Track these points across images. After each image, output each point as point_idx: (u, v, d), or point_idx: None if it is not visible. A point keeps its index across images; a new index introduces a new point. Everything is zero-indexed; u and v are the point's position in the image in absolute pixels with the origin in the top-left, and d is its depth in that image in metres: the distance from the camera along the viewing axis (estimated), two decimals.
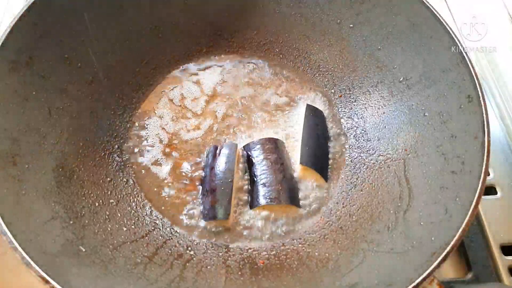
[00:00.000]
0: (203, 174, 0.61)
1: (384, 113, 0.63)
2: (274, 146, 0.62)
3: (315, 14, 0.68)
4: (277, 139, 0.63)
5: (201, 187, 0.60)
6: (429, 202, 0.50)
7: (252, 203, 0.59)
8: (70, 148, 0.56)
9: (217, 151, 0.60)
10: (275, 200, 0.57)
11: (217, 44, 0.73)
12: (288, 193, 0.58)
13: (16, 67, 0.51)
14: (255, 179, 0.60)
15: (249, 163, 0.61)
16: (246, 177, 0.61)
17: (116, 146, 0.62)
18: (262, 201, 0.57)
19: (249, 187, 0.60)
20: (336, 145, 0.65)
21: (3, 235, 0.40)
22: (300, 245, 0.56)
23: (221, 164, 0.59)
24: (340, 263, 0.52)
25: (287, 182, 0.59)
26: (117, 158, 0.62)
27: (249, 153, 0.62)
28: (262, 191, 0.58)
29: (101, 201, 0.55)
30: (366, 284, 0.46)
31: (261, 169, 0.60)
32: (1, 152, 0.47)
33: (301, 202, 0.60)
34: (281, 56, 0.73)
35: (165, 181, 0.61)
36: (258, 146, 0.62)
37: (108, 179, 0.59)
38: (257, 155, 0.61)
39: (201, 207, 0.58)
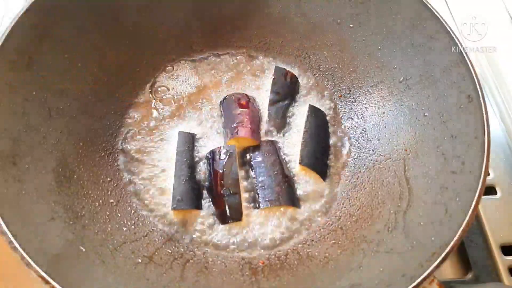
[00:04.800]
0: (205, 177, 0.61)
1: (384, 113, 0.63)
2: (273, 148, 0.62)
3: (315, 14, 0.68)
4: (275, 141, 0.63)
5: (208, 192, 0.60)
6: (429, 202, 0.50)
7: (253, 206, 0.59)
8: (70, 148, 0.56)
9: (217, 155, 0.60)
10: (275, 202, 0.57)
11: (217, 43, 0.73)
12: (288, 195, 0.58)
13: (16, 67, 0.51)
14: (255, 182, 0.59)
15: (248, 166, 0.61)
16: (245, 179, 0.61)
17: (116, 146, 0.62)
18: (262, 204, 0.57)
19: (249, 189, 0.60)
20: (336, 145, 0.65)
21: (3, 235, 0.40)
22: (300, 245, 0.57)
23: (224, 167, 0.58)
24: (340, 263, 0.52)
25: (286, 183, 0.59)
26: (117, 158, 0.62)
27: (247, 155, 0.62)
28: (262, 193, 0.58)
29: (101, 201, 0.55)
30: (366, 284, 0.46)
31: (260, 171, 0.60)
32: (1, 152, 0.47)
33: (300, 203, 0.60)
34: (281, 56, 0.73)
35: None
36: (256, 148, 0.62)
37: (108, 179, 0.59)
38: (256, 158, 0.61)
39: (212, 210, 0.58)
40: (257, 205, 0.58)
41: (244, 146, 0.63)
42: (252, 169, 0.61)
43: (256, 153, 0.62)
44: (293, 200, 0.59)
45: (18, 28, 0.51)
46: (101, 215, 0.53)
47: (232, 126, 0.62)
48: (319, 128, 0.65)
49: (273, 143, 0.63)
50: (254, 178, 0.60)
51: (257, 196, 0.58)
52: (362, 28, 0.64)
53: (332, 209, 0.60)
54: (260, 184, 0.59)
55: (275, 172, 0.60)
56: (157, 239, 0.55)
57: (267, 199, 0.57)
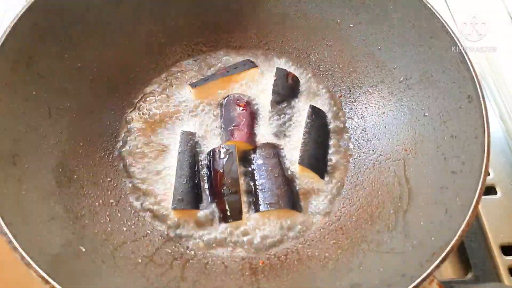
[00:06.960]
0: (205, 176, 0.61)
1: (384, 113, 0.63)
2: (273, 151, 0.62)
3: (315, 14, 0.68)
4: (275, 144, 0.63)
5: (208, 190, 0.60)
6: (429, 202, 0.50)
7: (253, 209, 0.58)
8: (70, 148, 0.56)
9: (217, 154, 0.60)
10: (275, 205, 0.57)
11: (217, 43, 0.73)
12: (288, 197, 0.58)
13: (16, 67, 0.51)
14: (255, 185, 0.59)
15: (249, 168, 0.61)
16: (246, 181, 0.61)
17: (116, 146, 0.62)
18: (262, 207, 0.57)
19: (249, 191, 0.60)
20: (336, 145, 0.65)
21: (3, 235, 0.40)
22: (300, 245, 0.56)
23: (224, 166, 0.58)
24: (340, 263, 0.52)
25: (286, 186, 0.59)
26: (117, 158, 0.61)
27: (248, 158, 0.62)
28: (262, 196, 0.58)
29: (101, 201, 0.55)
30: (366, 284, 0.46)
31: (260, 174, 0.60)
32: (1, 152, 0.47)
33: (300, 203, 0.60)
34: (281, 56, 0.73)
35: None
36: (257, 151, 0.62)
37: (108, 179, 0.59)
38: (256, 160, 0.61)
39: (212, 210, 0.58)
40: (257, 208, 0.58)
41: (242, 148, 0.63)
42: (252, 172, 0.60)
43: (257, 155, 0.61)
44: (293, 203, 0.58)
45: (18, 27, 0.51)
46: (101, 215, 0.53)
47: (229, 128, 0.62)
48: (319, 128, 0.65)
49: (273, 146, 0.63)
50: (254, 180, 0.60)
51: (257, 198, 0.58)
52: (362, 28, 0.64)
53: (332, 209, 0.60)
54: (260, 187, 0.59)
55: (276, 174, 0.59)
56: (157, 239, 0.55)
57: (267, 202, 0.57)
